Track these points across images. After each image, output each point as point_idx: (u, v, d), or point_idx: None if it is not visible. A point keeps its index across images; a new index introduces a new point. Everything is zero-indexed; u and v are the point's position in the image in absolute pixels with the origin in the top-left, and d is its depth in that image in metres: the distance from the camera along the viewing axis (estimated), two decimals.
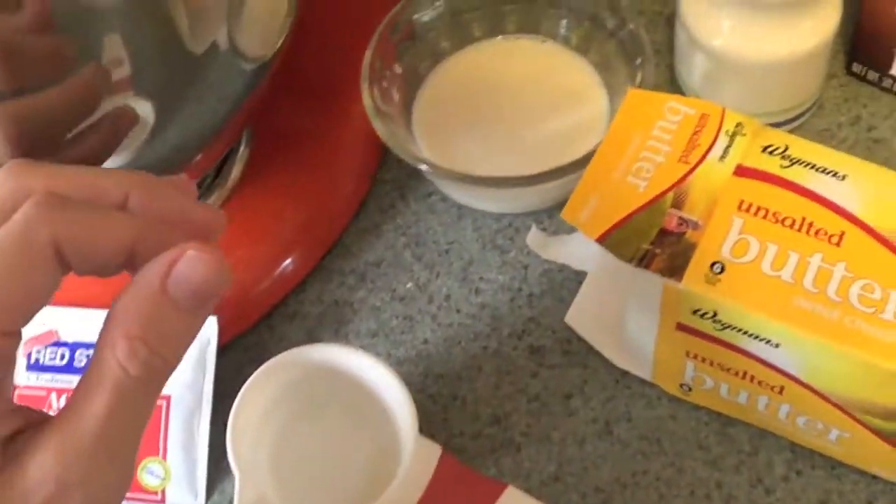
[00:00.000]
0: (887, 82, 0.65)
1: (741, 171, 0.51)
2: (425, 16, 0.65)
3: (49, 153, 0.45)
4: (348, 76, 0.63)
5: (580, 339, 0.59)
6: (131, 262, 0.35)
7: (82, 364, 0.59)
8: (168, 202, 0.37)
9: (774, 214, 0.50)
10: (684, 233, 0.50)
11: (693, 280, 0.48)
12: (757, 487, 0.55)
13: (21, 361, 0.59)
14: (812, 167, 0.51)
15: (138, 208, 0.36)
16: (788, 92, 0.62)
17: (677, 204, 0.50)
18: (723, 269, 0.48)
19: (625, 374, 0.58)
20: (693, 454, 0.56)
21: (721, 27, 0.60)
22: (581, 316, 0.59)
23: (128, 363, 0.34)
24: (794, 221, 0.49)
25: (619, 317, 0.55)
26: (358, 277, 0.63)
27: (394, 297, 0.62)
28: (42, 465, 0.33)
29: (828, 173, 0.51)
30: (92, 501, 0.34)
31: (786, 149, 0.52)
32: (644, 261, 0.49)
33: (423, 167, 0.59)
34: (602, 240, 0.50)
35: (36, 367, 0.59)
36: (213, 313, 0.59)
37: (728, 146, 0.52)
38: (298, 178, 0.64)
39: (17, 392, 0.57)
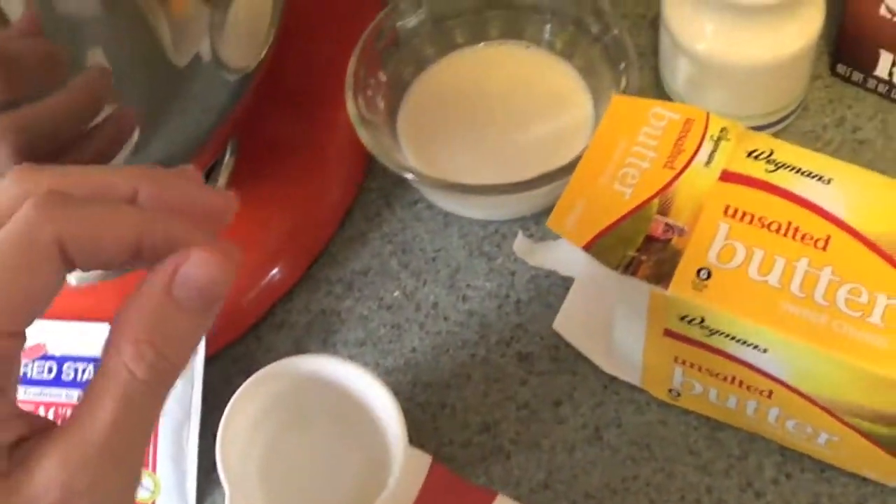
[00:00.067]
0: (872, 83, 0.65)
1: (726, 177, 0.51)
2: (409, 22, 0.65)
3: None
4: (333, 84, 0.63)
5: (568, 346, 0.59)
6: (139, 256, 0.35)
7: (70, 378, 0.59)
8: (177, 191, 0.37)
9: (760, 219, 0.50)
10: (670, 239, 0.50)
11: (680, 287, 0.48)
12: (747, 491, 0.55)
13: None
14: (797, 171, 0.51)
15: (148, 201, 0.36)
16: (773, 95, 0.62)
17: (663, 210, 0.50)
18: (709, 275, 0.48)
19: (613, 379, 0.58)
20: (683, 459, 0.56)
21: (704, 31, 0.60)
22: (569, 322, 0.59)
23: (135, 366, 0.33)
24: (780, 226, 0.49)
25: (606, 323, 0.55)
26: (345, 286, 0.63)
27: (381, 305, 0.62)
28: (48, 471, 0.33)
29: (813, 177, 0.51)
30: None
31: (771, 153, 0.52)
32: (630, 268, 0.49)
33: (409, 176, 0.59)
34: (588, 247, 0.50)
35: (24, 380, 0.59)
36: None
37: (713, 151, 0.52)
38: (284, 188, 0.64)
39: None
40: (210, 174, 0.64)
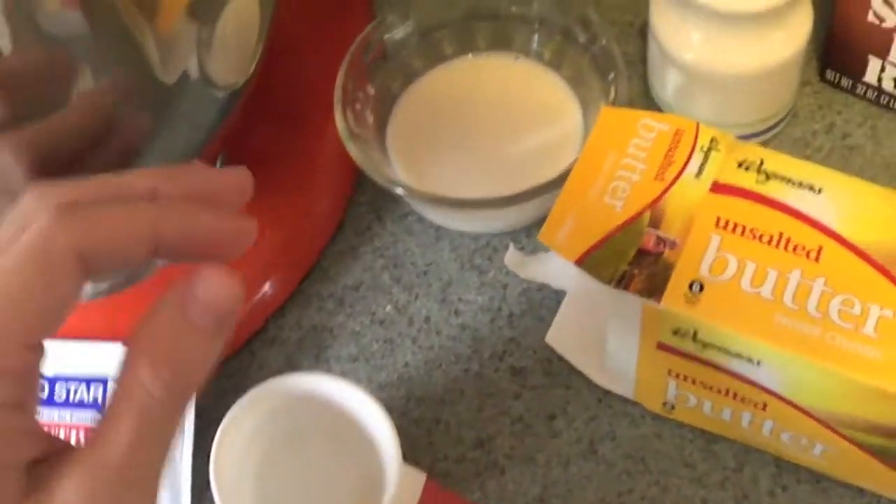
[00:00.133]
0: (861, 89, 0.65)
1: (717, 188, 0.51)
2: (396, 34, 0.65)
3: None
4: (321, 98, 0.63)
5: (561, 359, 0.59)
6: (158, 250, 0.35)
7: (63, 398, 0.59)
8: (190, 179, 0.38)
9: (752, 231, 0.50)
10: (662, 252, 0.49)
11: (672, 300, 0.48)
12: None
13: None
14: (788, 181, 0.51)
15: (165, 196, 0.37)
16: (762, 103, 0.62)
17: (654, 223, 0.50)
18: (702, 288, 0.48)
19: (607, 393, 0.58)
20: (678, 472, 0.56)
21: (692, 40, 0.60)
22: (561, 336, 0.59)
23: (152, 387, 0.34)
24: (771, 237, 0.49)
25: (599, 336, 0.55)
26: (336, 301, 0.62)
27: (373, 320, 0.62)
28: (69, 493, 0.33)
29: (804, 187, 0.51)
30: None
31: (761, 163, 0.51)
32: (623, 282, 0.49)
33: (399, 190, 0.59)
34: (580, 262, 0.50)
35: None
36: None
37: (703, 162, 0.52)
38: (274, 202, 0.64)
39: None
40: None
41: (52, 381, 0.59)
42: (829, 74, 0.66)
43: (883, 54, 0.62)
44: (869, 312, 0.47)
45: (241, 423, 0.53)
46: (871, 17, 0.60)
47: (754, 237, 0.49)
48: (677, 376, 0.52)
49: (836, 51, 0.64)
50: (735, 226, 0.50)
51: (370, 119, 0.63)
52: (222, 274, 0.35)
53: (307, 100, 0.66)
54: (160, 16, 0.46)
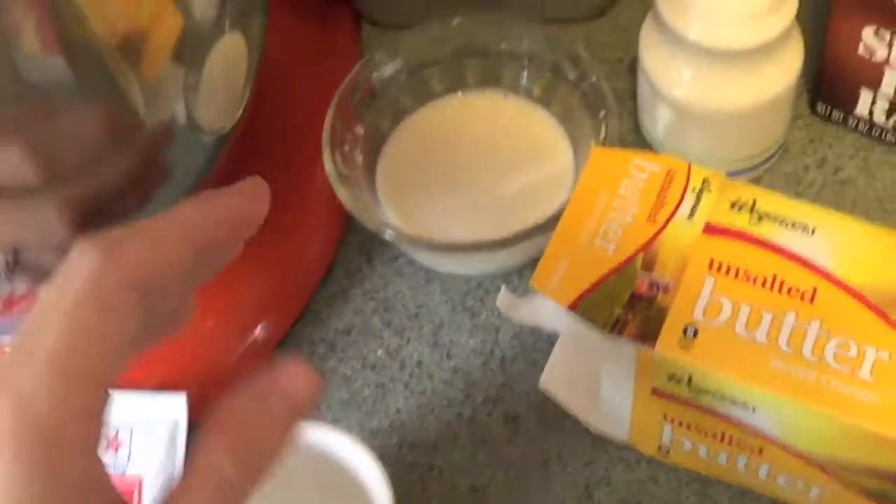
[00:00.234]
0: (852, 122, 0.65)
1: (710, 230, 0.50)
2: (385, 72, 0.64)
3: None
4: (310, 140, 0.62)
5: (555, 404, 0.58)
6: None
7: None
8: (213, 200, 0.40)
9: (746, 273, 0.49)
10: (655, 296, 0.49)
11: (666, 345, 0.48)
12: None
13: None
14: (781, 222, 0.50)
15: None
16: (754, 138, 0.62)
17: (647, 266, 0.50)
18: (696, 333, 0.48)
19: (601, 437, 0.57)
20: None
21: (682, 77, 0.59)
22: (555, 379, 0.58)
23: (229, 466, 0.35)
24: (766, 280, 0.49)
25: (593, 380, 0.54)
26: (328, 346, 0.62)
27: (365, 365, 0.61)
28: None
29: (797, 228, 0.50)
30: None
31: (754, 203, 0.51)
32: (617, 327, 0.48)
33: (388, 235, 0.58)
34: (574, 307, 0.49)
35: None
36: (181, 388, 0.58)
37: (695, 204, 0.51)
38: (264, 246, 0.63)
39: None
40: None
41: None
42: (820, 107, 0.66)
43: (874, 86, 0.62)
44: (865, 355, 0.47)
45: None
46: (861, 50, 0.60)
47: (748, 280, 0.49)
48: (672, 421, 0.52)
49: (827, 84, 0.64)
50: (729, 268, 0.49)
51: (359, 159, 0.63)
52: (304, 366, 0.37)
53: (295, 142, 0.65)
54: (145, 62, 0.46)
